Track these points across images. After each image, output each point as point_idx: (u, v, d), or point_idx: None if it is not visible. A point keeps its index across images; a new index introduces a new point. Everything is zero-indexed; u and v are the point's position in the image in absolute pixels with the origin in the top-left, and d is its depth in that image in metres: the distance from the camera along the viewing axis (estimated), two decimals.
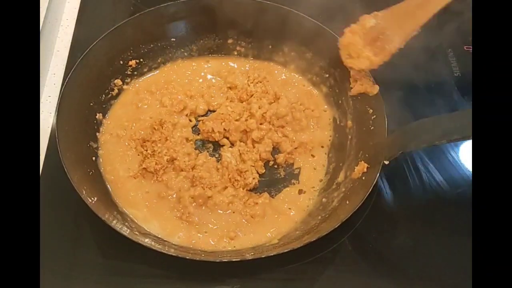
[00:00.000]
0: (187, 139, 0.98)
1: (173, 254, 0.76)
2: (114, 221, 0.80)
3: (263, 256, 0.76)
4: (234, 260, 0.77)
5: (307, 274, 0.83)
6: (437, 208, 0.93)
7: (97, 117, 0.96)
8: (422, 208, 0.93)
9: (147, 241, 0.79)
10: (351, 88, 0.98)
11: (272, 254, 0.75)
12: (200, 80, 1.08)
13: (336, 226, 0.77)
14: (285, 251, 0.75)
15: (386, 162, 0.82)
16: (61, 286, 0.80)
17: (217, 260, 0.76)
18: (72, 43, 1.12)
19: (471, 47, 1.16)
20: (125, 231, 0.78)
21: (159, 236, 0.85)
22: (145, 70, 1.06)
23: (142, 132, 0.97)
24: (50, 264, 0.80)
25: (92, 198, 0.81)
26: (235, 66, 1.11)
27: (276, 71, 1.10)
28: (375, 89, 0.93)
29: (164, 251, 0.76)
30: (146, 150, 0.94)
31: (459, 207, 0.92)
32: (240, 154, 0.96)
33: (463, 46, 1.17)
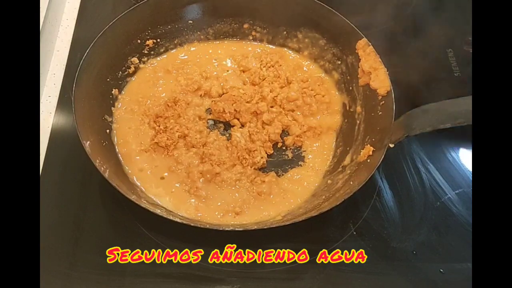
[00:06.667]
0: (199, 117, 1.00)
1: (180, 221, 0.78)
2: (129, 192, 0.82)
3: (265, 228, 0.78)
4: (237, 229, 0.79)
5: (307, 274, 0.84)
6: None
7: (113, 92, 0.99)
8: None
9: (158, 212, 0.80)
10: (359, 78, 1.00)
11: (273, 226, 0.78)
12: (216, 64, 1.11)
13: (338, 204, 0.79)
14: (287, 223, 0.77)
15: (392, 145, 0.83)
16: (61, 286, 0.80)
17: (221, 229, 0.79)
18: (72, 43, 1.13)
19: (471, 47, 1.17)
20: (135, 199, 0.80)
21: (167, 208, 0.88)
22: (162, 50, 1.09)
23: (156, 108, 0.99)
24: (50, 264, 0.81)
25: (105, 167, 0.83)
26: (249, 50, 1.13)
27: (289, 57, 1.12)
28: (384, 90, 0.94)
29: (172, 218, 0.78)
30: (159, 126, 0.96)
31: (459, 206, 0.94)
32: (250, 134, 0.98)
33: (463, 46, 1.18)
